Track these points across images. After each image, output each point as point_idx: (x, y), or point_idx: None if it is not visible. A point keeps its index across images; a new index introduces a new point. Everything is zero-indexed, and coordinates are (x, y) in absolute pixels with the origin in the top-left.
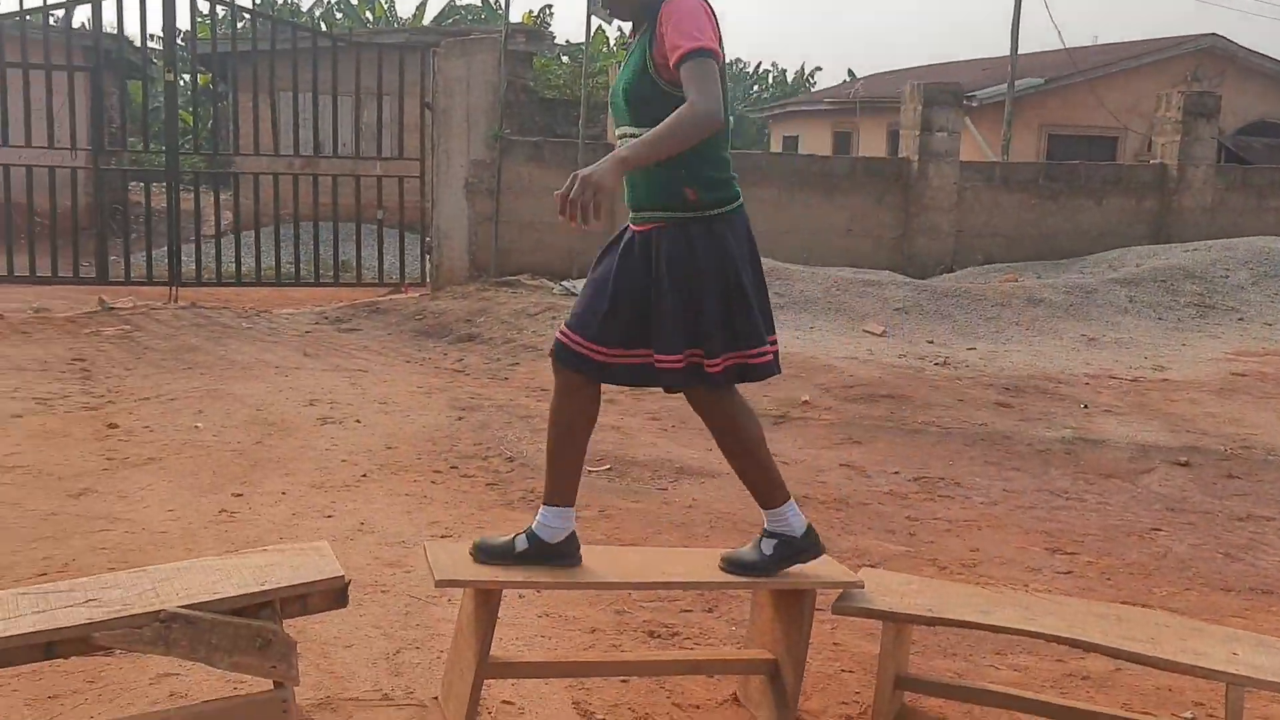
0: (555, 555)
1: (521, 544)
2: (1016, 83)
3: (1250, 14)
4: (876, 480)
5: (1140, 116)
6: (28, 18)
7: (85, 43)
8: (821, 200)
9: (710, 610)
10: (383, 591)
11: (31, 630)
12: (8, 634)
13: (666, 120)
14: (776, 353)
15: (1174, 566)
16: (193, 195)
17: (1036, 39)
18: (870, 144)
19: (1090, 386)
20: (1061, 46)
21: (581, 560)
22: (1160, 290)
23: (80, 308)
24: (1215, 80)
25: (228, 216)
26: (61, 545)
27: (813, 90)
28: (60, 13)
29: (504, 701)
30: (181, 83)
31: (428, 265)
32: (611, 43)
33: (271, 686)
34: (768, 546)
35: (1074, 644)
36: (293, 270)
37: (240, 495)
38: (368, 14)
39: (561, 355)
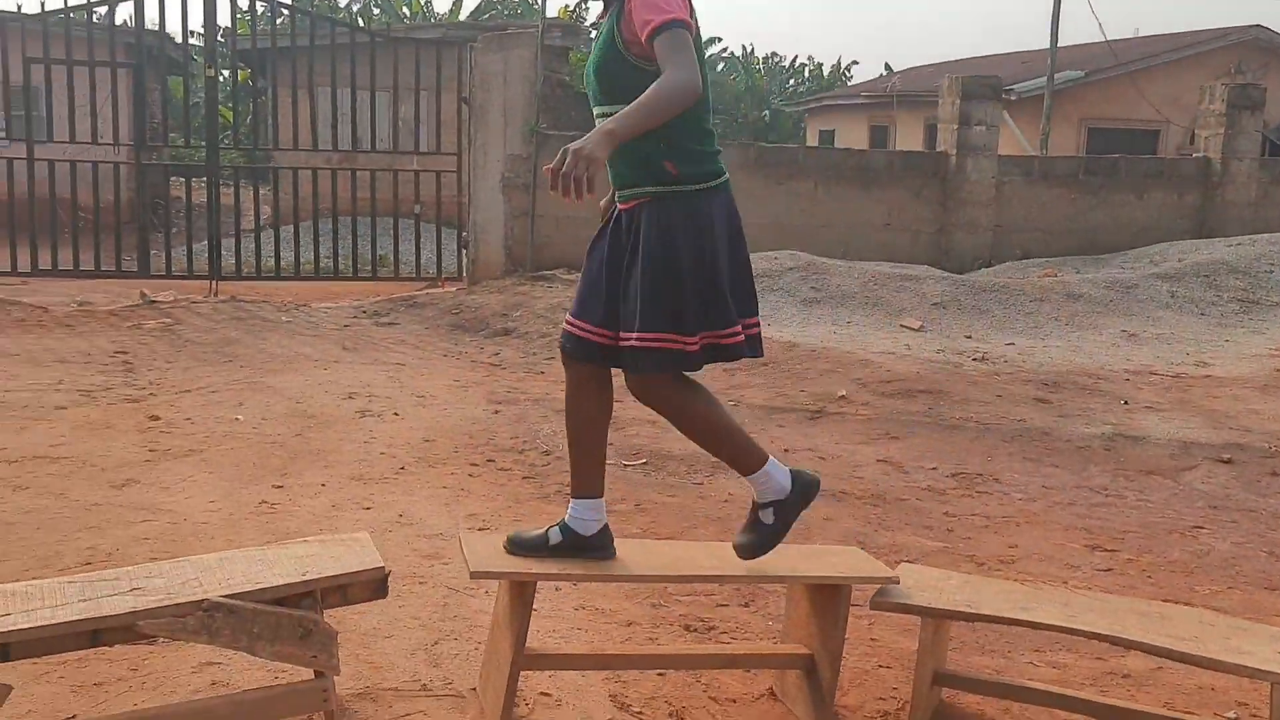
0: (588, 548)
1: (555, 536)
2: (1056, 76)
3: None
4: (914, 476)
5: (1182, 109)
6: (72, 15)
7: (128, 40)
8: (858, 194)
9: (746, 605)
10: (421, 583)
11: (78, 618)
12: (55, 621)
13: (647, 91)
14: (755, 336)
15: (1217, 565)
16: (232, 190)
17: (1077, 32)
18: (907, 138)
19: (1131, 382)
20: (1102, 39)
21: (615, 553)
22: (1203, 285)
23: (122, 301)
24: (1259, 72)
25: (267, 211)
26: (105, 535)
27: (849, 84)
28: (103, 10)
29: (541, 693)
30: (221, 79)
31: (464, 260)
32: None
33: (312, 676)
34: (768, 516)
35: (1115, 641)
36: (331, 265)
37: (280, 487)
38: (405, 9)
39: (570, 346)
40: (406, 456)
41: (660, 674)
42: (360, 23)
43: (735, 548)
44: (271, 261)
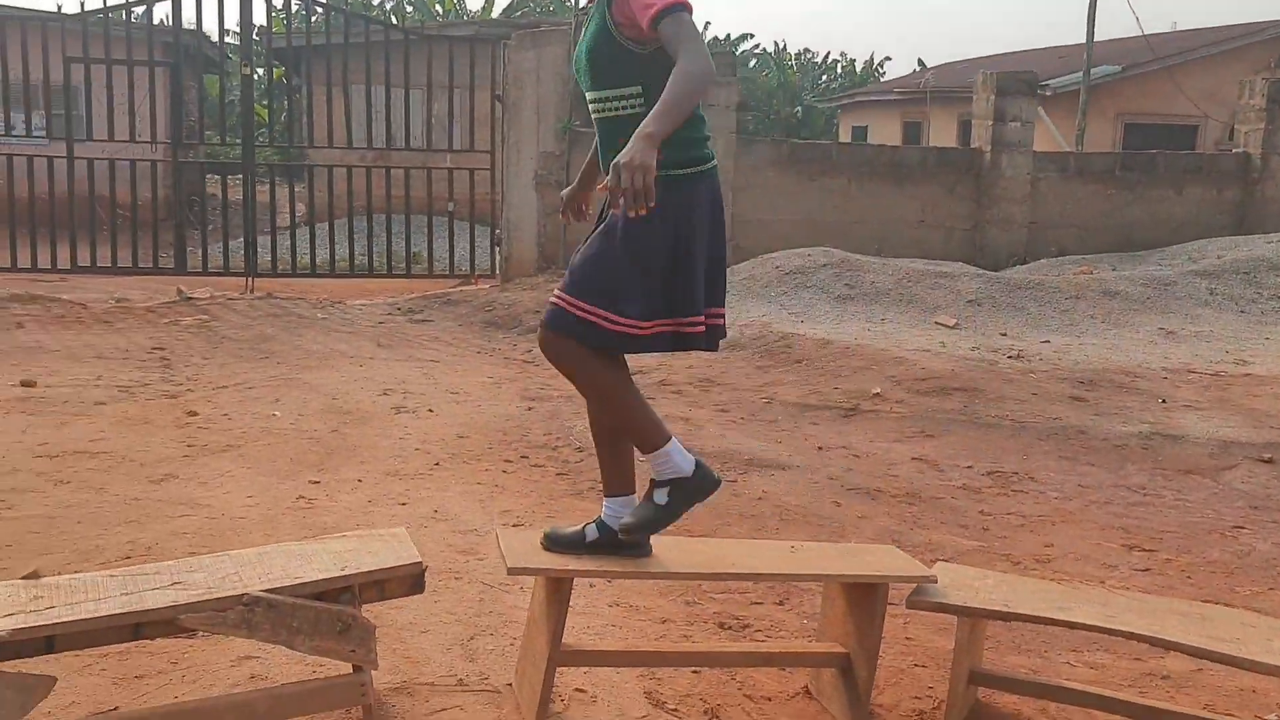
0: (625, 545)
1: (592, 533)
2: (1092, 71)
3: None
4: (949, 474)
5: (1221, 104)
6: (110, 15)
7: (165, 39)
8: (892, 191)
9: (781, 603)
10: (456, 578)
11: (120, 611)
12: (98, 614)
13: (669, 86)
14: (718, 327)
15: (1258, 565)
16: (268, 187)
17: (1113, 26)
18: (940, 134)
19: (1169, 381)
20: (1139, 33)
21: (651, 550)
22: (1242, 282)
23: (159, 298)
24: None
25: (301, 209)
26: (144, 529)
27: (882, 80)
28: (141, 10)
29: (577, 689)
30: (256, 77)
31: (497, 257)
32: None
33: (350, 670)
34: (661, 496)
35: (1154, 642)
36: (365, 262)
37: (317, 482)
38: (437, 7)
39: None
40: (441, 453)
41: (695, 671)
42: (394, 20)
43: (620, 527)
44: (306, 259)
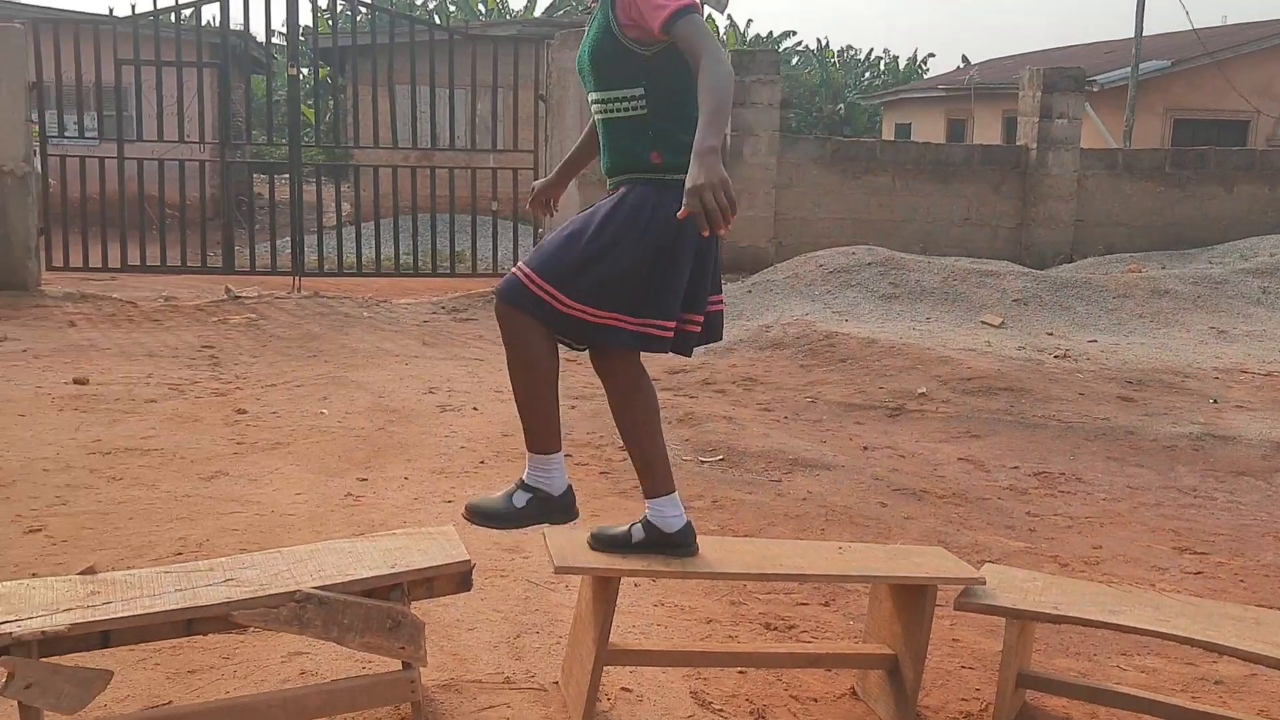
0: (671, 545)
1: (638, 533)
2: (1141, 66)
3: None
4: (995, 475)
5: (1272, 99)
6: (160, 17)
7: (213, 40)
8: (937, 189)
9: (827, 604)
10: (502, 576)
11: (175, 607)
12: (153, 610)
13: (703, 97)
14: (692, 334)
15: None
16: (314, 187)
17: (1161, 21)
18: (985, 131)
19: (1220, 381)
20: (1189, 27)
21: (698, 550)
22: None
23: (207, 296)
24: None
25: (347, 208)
26: (195, 526)
27: (925, 77)
28: (189, 12)
29: (623, 689)
30: (302, 77)
31: None
32: (722, 32)
33: (399, 667)
34: (520, 499)
35: (1208, 647)
36: (410, 261)
37: (364, 480)
38: (480, 6)
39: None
40: (486, 451)
41: (741, 672)
42: (437, 20)
43: (468, 507)
44: (352, 258)
